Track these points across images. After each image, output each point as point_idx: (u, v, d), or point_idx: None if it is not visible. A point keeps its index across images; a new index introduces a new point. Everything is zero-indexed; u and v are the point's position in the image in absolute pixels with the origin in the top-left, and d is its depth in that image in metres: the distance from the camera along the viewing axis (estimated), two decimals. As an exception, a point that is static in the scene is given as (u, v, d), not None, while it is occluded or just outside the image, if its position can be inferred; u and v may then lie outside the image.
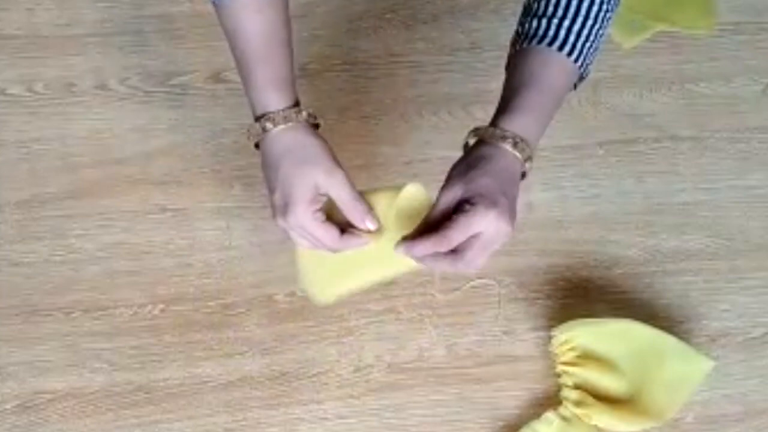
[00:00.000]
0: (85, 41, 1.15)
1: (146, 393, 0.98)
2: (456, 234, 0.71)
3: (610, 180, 1.09)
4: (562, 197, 1.07)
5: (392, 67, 1.14)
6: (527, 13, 0.80)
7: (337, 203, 0.75)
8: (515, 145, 0.75)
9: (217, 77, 1.12)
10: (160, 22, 1.16)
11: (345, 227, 0.77)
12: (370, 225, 0.76)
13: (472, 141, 0.77)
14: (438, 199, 0.74)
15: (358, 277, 0.82)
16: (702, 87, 1.14)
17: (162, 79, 1.13)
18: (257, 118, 0.77)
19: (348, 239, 0.77)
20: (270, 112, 0.76)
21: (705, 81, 1.15)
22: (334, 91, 1.12)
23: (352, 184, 0.75)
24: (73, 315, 1.01)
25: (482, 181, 0.73)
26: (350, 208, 0.75)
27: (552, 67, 0.78)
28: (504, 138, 0.75)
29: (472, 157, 0.75)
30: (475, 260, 0.73)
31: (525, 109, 0.76)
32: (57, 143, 1.09)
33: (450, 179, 0.75)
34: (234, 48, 0.80)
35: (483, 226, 0.71)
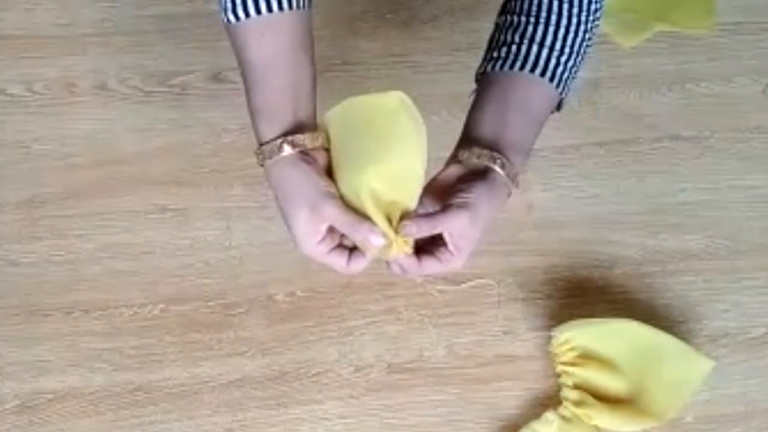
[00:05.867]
0: (85, 41, 1.15)
1: (146, 393, 0.98)
2: (424, 272, 0.76)
3: (610, 180, 1.09)
4: (561, 197, 1.07)
5: (392, 67, 1.14)
6: (521, 33, 0.80)
7: (337, 229, 0.74)
8: (516, 184, 0.77)
9: (217, 77, 1.12)
10: (160, 22, 1.16)
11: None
12: (375, 242, 0.73)
13: (491, 165, 0.76)
14: (447, 219, 0.73)
15: None
16: (702, 87, 1.14)
17: (162, 79, 1.13)
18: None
19: (357, 262, 0.76)
20: (262, 144, 0.75)
21: (705, 81, 1.15)
22: (334, 91, 1.11)
23: (344, 208, 0.73)
24: (73, 315, 1.01)
25: (475, 233, 0.74)
26: (351, 232, 0.73)
27: (547, 100, 0.80)
28: (514, 179, 0.77)
29: (486, 187, 0.75)
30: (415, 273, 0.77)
31: (527, 145, 0.78)
32: (57, 143, 1.09)
33: (470, 209, 0.73)
34: (240, 71, 0.79)
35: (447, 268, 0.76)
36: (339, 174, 0.75)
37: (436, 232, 0.74)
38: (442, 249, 0.75)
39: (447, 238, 0.74)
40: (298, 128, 0.75)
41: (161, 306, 1.01)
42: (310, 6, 0.77)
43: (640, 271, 1.04)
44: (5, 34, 1.15)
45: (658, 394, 0.96)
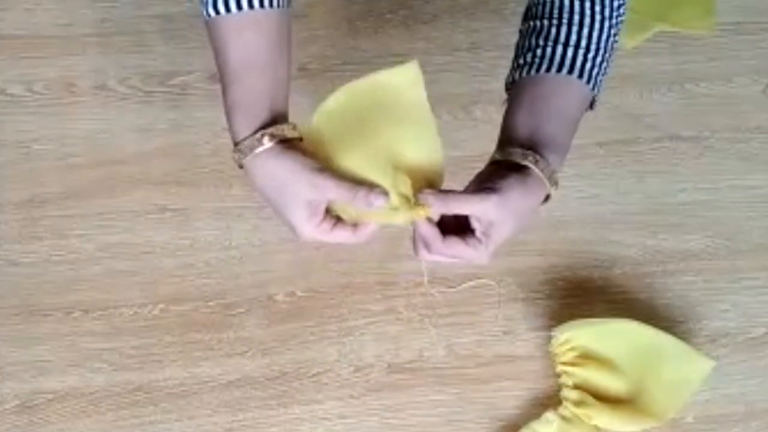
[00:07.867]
0: (85, 41, 1.15)
1: (146, 393, 0.98)
2: (447, 252, 0.74)
3: (610, 180, 1.09)
4: (562, 197, 1.07)
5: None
6: (545, 36, 0.79)
7: (338, 201, 0.74)
8: (554, 183, 0.76)
9: (217, 77, 1.12)
10: (160, 22, 1.16)
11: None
12: (378, 202, 0.73)
13: (523, 162, 0.75)
14: (474, 200, 0.73)
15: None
16: (702, 87, 1.14)
17: (162, 79, 1.13)
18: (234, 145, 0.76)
19: (361, 232, 0.76)
20: (239, 141, 0.74)
21: (705, 81, 1.15)
22: (334, 91, 1.12)
23: (339, 178, 0.73)
24: (73, 315, 1.01)
25: (505, 224, 0.74)
26: (352, 200, 0.73)
27: (578, 97, 0.79)
28: (551, 177, 0.75)
29: (519, 180, 0.74)
30: (436, 257, 0.76)
31: (562, 144, 0.77)
32: (57, 143, 1.09)
33: (498, 193, 0.73)
34: (218, 68, 0.79)
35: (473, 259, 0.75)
36: (346, 151, 0.76)
37: (460, 210, 0.73)
38: (470, 234, 0.74)
39: (475, 224, 0.73)
40: (273, 122, 0.75)
41: (161, 306, 1.01)
42: (289, 5, 0.78)
43: (640, 271, 1.04)
44: (5, 34, 1.15)
45: (658, 394, 0.96)
